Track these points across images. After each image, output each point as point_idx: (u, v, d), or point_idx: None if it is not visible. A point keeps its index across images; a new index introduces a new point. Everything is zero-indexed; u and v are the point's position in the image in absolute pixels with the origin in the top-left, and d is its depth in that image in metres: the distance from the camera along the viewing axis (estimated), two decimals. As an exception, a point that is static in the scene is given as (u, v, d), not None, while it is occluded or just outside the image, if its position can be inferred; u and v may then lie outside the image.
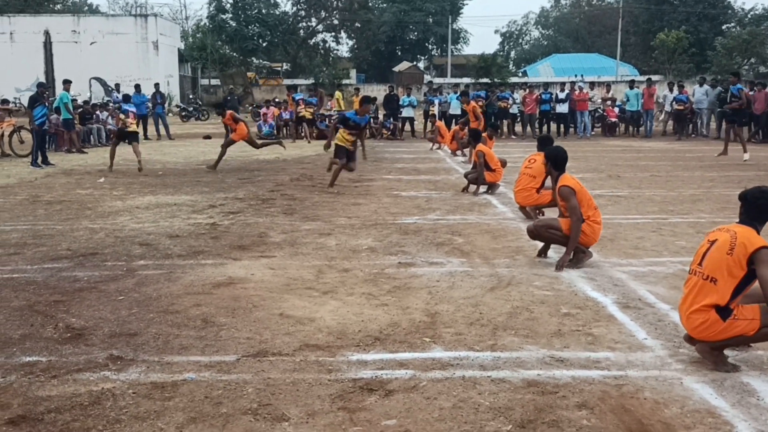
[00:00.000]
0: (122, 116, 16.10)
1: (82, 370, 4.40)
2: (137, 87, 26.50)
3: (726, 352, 4.46)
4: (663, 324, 5.24)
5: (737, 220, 4.56)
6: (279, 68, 59.09)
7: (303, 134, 26.48)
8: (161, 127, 26.34)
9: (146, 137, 25.78)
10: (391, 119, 26.82)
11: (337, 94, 28.82)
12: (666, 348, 4.76)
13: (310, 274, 6.72)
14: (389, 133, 26.39)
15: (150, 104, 26.56)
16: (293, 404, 3.95)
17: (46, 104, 17.46)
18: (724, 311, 4.32)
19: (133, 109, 16.66)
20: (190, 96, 49.43)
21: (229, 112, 16.61)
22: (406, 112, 27.03)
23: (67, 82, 21.35)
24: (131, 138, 15.86)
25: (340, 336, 5.03)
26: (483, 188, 11.97)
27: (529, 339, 4.95)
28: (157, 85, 28.29)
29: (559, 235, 6.94)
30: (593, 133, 27.03)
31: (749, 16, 55.30)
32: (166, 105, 32.54)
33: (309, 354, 4.68)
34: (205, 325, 5.25)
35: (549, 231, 6.99)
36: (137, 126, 17.22)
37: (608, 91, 28.83)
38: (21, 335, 5.05)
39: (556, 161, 7.22)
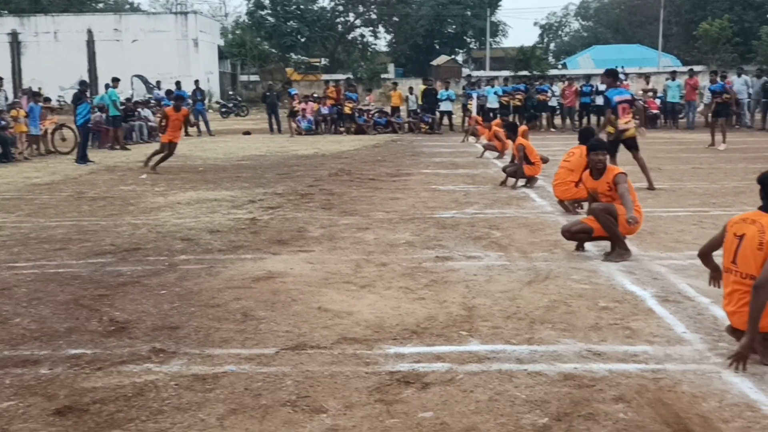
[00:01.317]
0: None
1: (125, 363, 4.52)
2: (178, 84, 26.85)
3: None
4: (702, 317, 5.19)
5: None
6: (317, 63, 59.29)
7: (341, 129, 26.66)
8: (201, 124, 26.65)
9: (187, 133, 26.15)
10: (429, 113, 26.81)
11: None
12: (705, 342, 4.72)
13: (348, 268, 6.77)
14: (427, 127, 26.37)
15: (190, 101, 26.89)
16: (331, 396, 4.00)
17: (89, 102, 17.84)
18: None
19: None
20: (230, 92, 49.87)
21: (184, 110, 15.98)
22: (444, 106, 26.99)
23: (115, 80, 21.76)
24: None
25: (378, 329, 5.07)
26: (522, 182, 11.92)
27: (566, 332, 4.94)
28: (197, 81, 28.63)
29: (611, 222, 6.85)
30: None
31: (796, 3, 53.99)
32: (206, 101, 32.91)
33: (347, 347, 4.74)
34: (245, 319, 5.34)
35: (607, 215, 6.86)
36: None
37: (647, 83, 28.40)
38: (67, 328, 5.19)
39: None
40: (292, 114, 26.32)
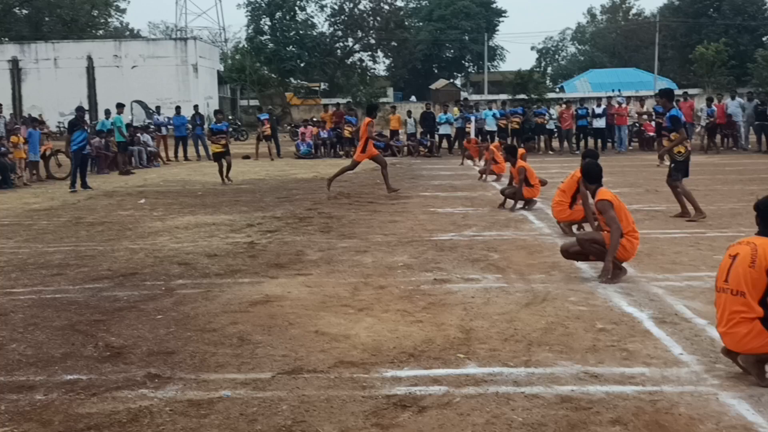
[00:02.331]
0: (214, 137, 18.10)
1: (120, 388, 4.50)
2: (177, 109, 26.98)
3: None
4: (699, 339, 5.19)
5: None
6: (317, 88, 59.67)
7: (341, 152, 26.75)
8: (201, 148, 26.73)
9: (186, 158, 26.24)
10: (428, 136, 26.90)
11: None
12: (702, 363, 4.71)
13: (346, 292, 6.77)
14: (426, 150, 26.46)
15: (190, 126, 27.01)
16: (327, 421, 3.98)
17: (86, 128, 17.90)
18: (766, 321, 4.27)
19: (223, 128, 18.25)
20: (230, 117, 50.13)
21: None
22: (443, 130, 27.10)
23: (120, 106, 21.89)
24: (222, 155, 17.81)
25: (375, 353, 5.06)
26: (520, 204, 11.94)
27: (563, 355, 4.93)
28: (196, 106, 28.77)
29: (600, 250, 6.88)
30: (630, 147, 26.77)
31: (791, 26, 54.51)
32: (206, 126, 33.04)
33: (344, 371, 4.72)
34: (242, 343, 5.32)
35: (593, 245, 6.92)
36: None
37: (642, 106, 28.56)
38: (63, 354, 5.17)
39: (588, 175, 7.24)
40: (259, 138, 26.75)
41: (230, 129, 21.16)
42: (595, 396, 4.22)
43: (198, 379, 4.62)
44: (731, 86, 40.77)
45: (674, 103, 11.02)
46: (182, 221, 11.41)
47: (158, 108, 30.55)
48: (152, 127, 26.68)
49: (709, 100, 26.06)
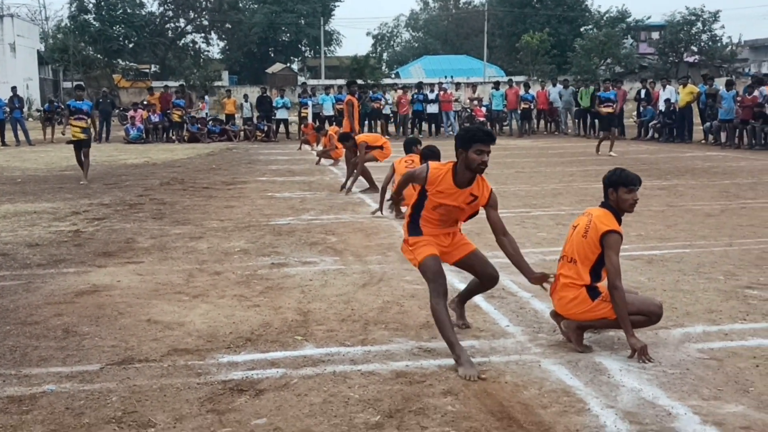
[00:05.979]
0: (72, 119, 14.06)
1: (-71, 389, 4.14)
2: (-8, 91, 25.06)
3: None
4: (524, 311, 5.49)
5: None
6: (147, 70, 57.35)
7: (173, 137, 25.96)
8: (20, 133, 25.01)
9: (3, 143, 24.49)
10: (265, 121, 26.63)
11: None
12: (526, 334, 4.99)
13: (180, 279, 6.59)
14: (263, 135, 26.19)
15: (7, 109, 25.16)
16: (160, 410, 3.86)
17: None
18: (592, 291, 4.57)
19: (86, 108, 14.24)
20: (52, 99, 47.18)
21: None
22: (280, 114, 26.90)
23: None
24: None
25: (211, 339, 4.96)
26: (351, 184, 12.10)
27: (398, 332, 5.06)
28: (14, 88, 26.79)
29: None
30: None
31: (605, 18, 58.09)
32: (25, 109, 30.92)
33: (177, 359, 4.59)
34: (67, 335, 5.05)
35: None
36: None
37: (474, 92, 29.71)
38: None
39: (433, 158, 7.46)
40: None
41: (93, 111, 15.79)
42: (428, 369, 4.36)
43: (19, 375, 4.34)
44: (553, 74, 43.14)
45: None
46: (-1, 210, 10.65)
47: (-30, 89, 28.25)
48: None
49: (526, 86, 27.71)
